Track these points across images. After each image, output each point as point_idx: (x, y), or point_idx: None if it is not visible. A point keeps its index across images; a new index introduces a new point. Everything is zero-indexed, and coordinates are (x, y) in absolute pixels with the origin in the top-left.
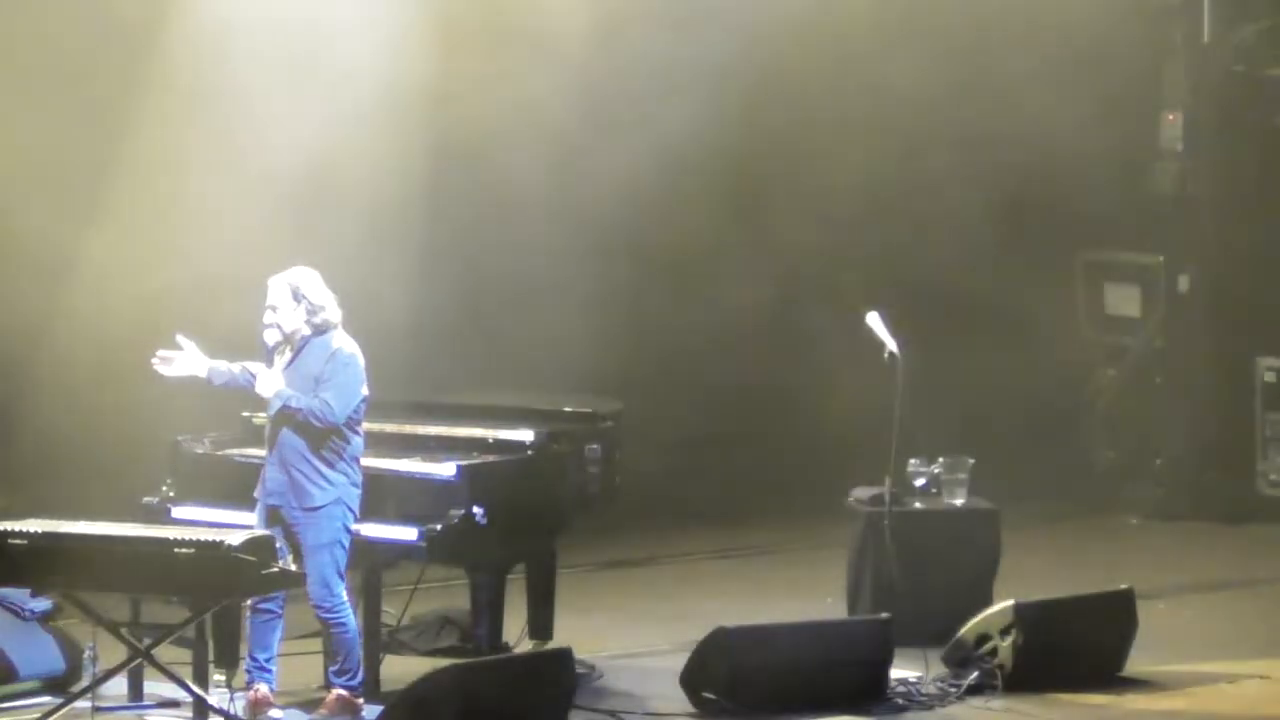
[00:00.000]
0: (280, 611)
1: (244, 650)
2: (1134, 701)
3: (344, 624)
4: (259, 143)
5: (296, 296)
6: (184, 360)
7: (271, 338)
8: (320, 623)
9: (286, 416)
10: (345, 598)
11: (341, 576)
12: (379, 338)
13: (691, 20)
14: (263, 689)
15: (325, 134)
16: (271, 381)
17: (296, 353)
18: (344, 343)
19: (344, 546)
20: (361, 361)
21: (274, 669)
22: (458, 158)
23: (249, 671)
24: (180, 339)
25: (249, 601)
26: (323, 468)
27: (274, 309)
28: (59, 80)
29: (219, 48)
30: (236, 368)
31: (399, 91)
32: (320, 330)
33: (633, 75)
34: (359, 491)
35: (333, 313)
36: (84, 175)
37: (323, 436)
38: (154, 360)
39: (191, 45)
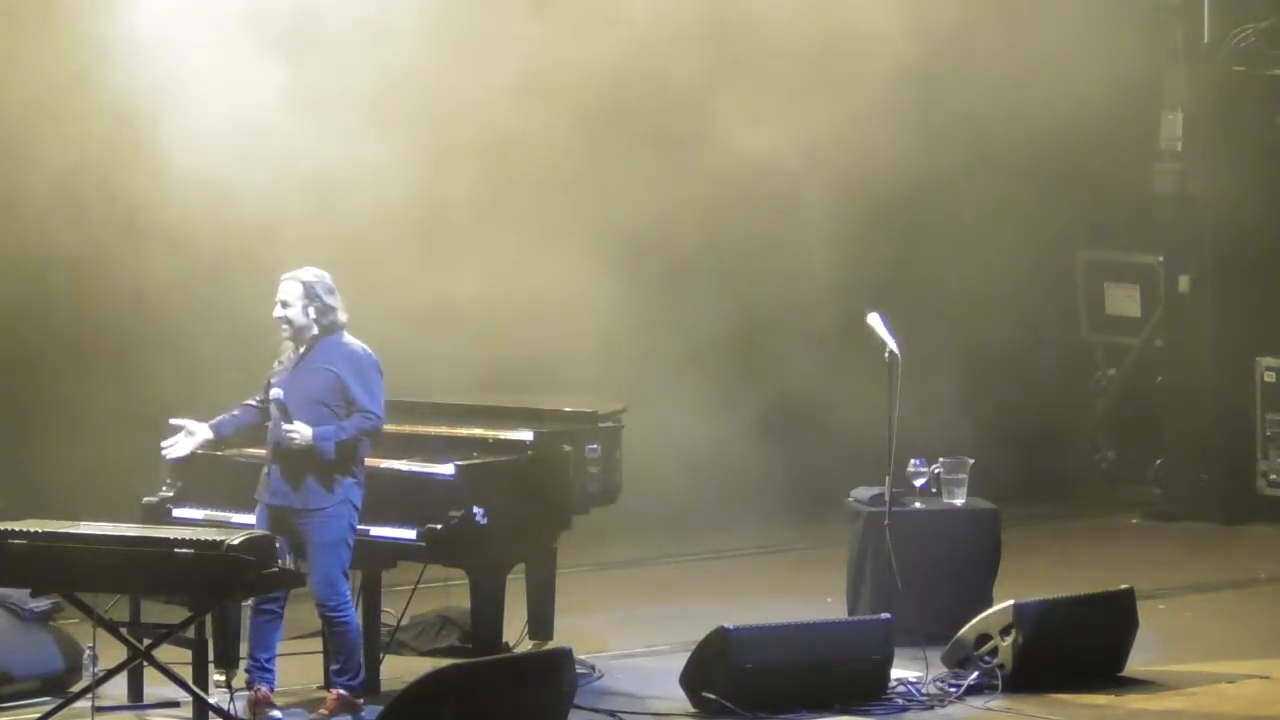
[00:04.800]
0: (281, 612)
1: (244, 650)
2: (1134, 701)
3: (347, 623)
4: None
5: (309, 295)
6: (186, 438)
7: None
8: (324, 621)
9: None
10: (349, 597)
11: (346, 576)
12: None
13: None
14: (263, 689)
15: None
16: (303, 431)
17: (307, 351)
18: (360, 345)
19: (349, 545)
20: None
21: (274, 669)
22: None
23: (249, 671)
24: (174, 422)
25: (251, 601)
26: (334, 470)
27: (285, 305)
28: None
29: None
30: (237, 410)
31: None
32: (329, 330)
33: None
34: (363, 491)
35: (341, 314)
36: (88, 176)
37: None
38: (162, 452)
39: None
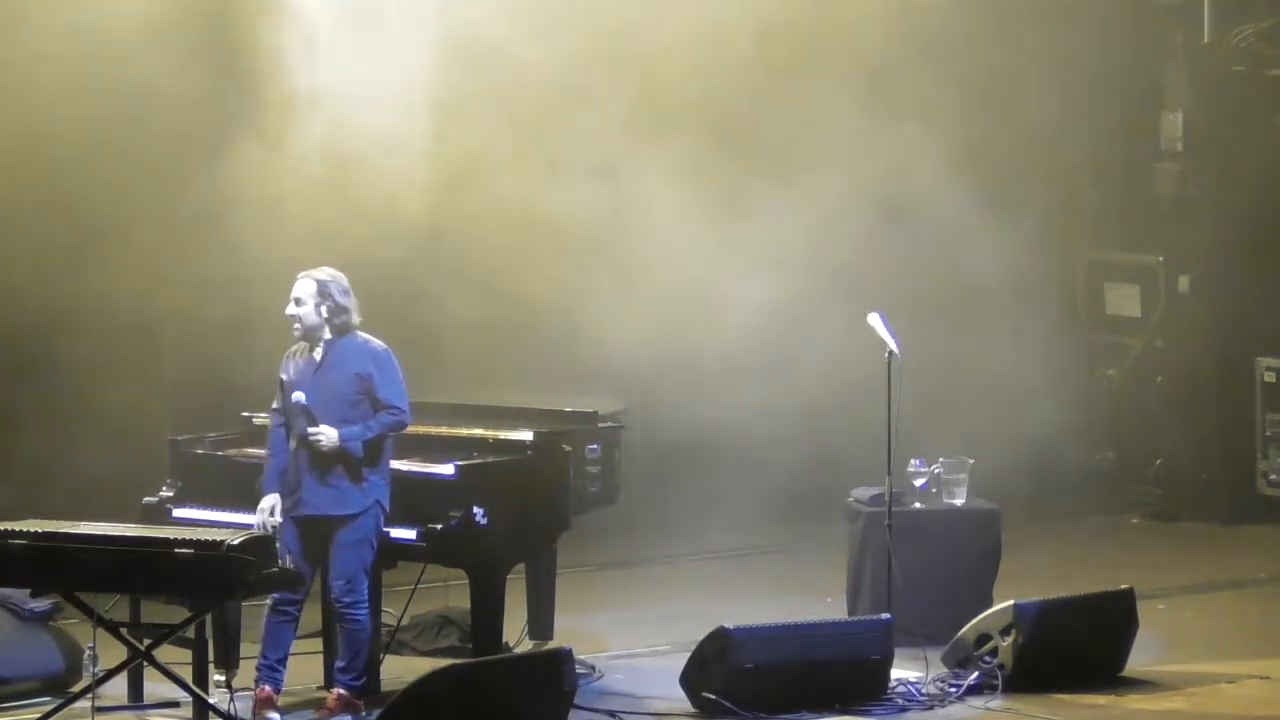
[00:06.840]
0: (298, 614)
1: (245, 650)
2: (1134, 701)
3: (360, 622)
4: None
5: (322, 294)
6: (267, 511)
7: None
8: (337, 618)
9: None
10: (367, 597)
11: (367, 574)
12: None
13: None
14: (267, 688)
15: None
16: (329, 434)
17: (325, 353)
18: (379, 342)
19: (373, 547)
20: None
21: (284, 670)
22: None
23: (259, 669)
24: (265, 518)
25: (269, 601)
26: (366, 474)
27: (298, 303)
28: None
29: None
30: (272, 444)
31: None
32: (342, 331)
33: None
34: (390, 491)
35: (355, 315)
36: (87, 181)
37: (376, 445)
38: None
39: None
